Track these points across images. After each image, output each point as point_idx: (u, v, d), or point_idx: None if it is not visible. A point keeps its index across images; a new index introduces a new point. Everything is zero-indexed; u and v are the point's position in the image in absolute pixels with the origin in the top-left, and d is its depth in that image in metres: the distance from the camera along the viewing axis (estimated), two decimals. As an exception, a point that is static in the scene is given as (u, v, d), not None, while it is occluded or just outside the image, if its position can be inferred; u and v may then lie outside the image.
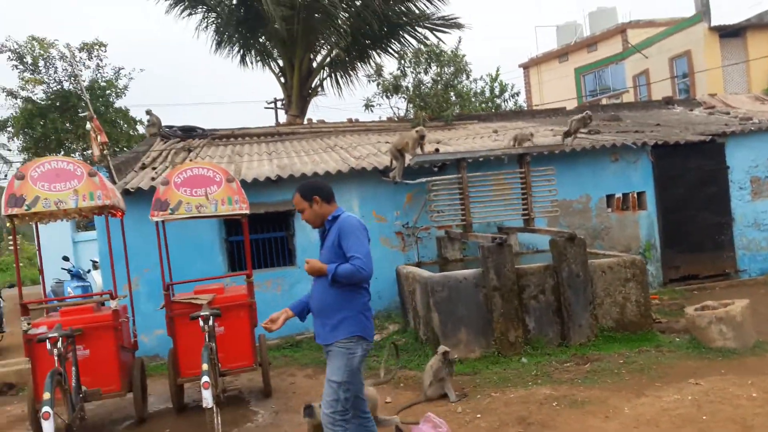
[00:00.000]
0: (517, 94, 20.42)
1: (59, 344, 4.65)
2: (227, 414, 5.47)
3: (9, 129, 18.15)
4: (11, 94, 17.77)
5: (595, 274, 7.00)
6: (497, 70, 20.85)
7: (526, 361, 6.30)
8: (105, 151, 9.09)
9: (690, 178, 9.86)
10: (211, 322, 5.08)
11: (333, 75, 17.50)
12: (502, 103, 20.49)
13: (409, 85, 17.80)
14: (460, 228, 8.40)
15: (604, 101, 22.24)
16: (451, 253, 8.73)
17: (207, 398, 4.37)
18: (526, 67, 28.43)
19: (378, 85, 17.55)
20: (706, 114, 13.89)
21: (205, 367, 4.50)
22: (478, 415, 4.92)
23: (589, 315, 6.80)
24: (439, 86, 17.88)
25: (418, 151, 8.39)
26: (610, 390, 5.27)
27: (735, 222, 9.94)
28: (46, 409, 4.01)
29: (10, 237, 19.89)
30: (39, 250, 6.82)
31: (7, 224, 5.38)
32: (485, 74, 27.91)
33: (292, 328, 8.35)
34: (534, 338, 6.72)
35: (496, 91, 20.42)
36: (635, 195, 9.70)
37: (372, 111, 19.87)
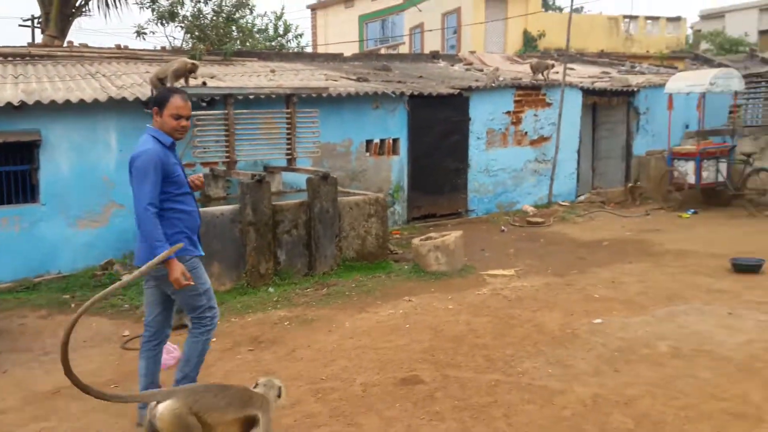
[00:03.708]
0: (301, 35, 20.61)
1: None
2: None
3: None
4: None
5: (344, 211, 7.72)
6: (282, 9, 20.79)
7: (273, 291, 6.83)
8: None
9: (439, 128, 11.04)
10: None
11: (101, -6, 15.98)
12: (286, 43, 20.55)
13: (188, 14, 16.98)
14: (224, 166, 8.55)
15: (383, 50, 23.40)
16: (214, 191, 8.85)
17: None
18: (313, 8, 28.59)
19: (152, 11, 16.46)
20: (464, 69, 15.47)
21: None
22: (214, 339, 5.30)
23: (335, 246, 7.53)
24: (220, 18, 17.34)
25: (183, 83, 8.28)
26: (338, 309, 6.03)
27: (470, 168, 11.41)
28: None
29: None
30: None
31: None
32: (271, 11, 27.37)
33: (29, 270, 7.81)
34: (283, 270, 7.25)
35: (280, 30, 20.39)
36: (391, 141, 10.63)
37: (144, 39, 18.59)
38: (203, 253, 3.97)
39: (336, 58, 15.83)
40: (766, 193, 10.45)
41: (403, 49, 23.31)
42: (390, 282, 7.03)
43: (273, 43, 19.71)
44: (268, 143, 8.68)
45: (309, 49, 23.03)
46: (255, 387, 3.30)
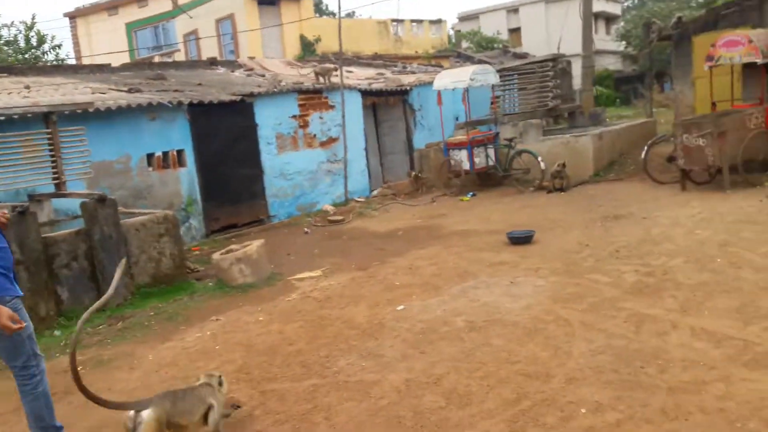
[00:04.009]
0: (59, 46, 18.69)
1: None
2: None
3: None
4: None
5: (129, 234, 7.12)
6: (33, 18, 18.64)
7: (59, 334, 6.08)
8: None
9: (226, 136, 10.74)
10: None
11: None
12: (43, 56, 18.49)
13: None
14: (-23, 199, 7.40)
15: (157, 59, 22.12)
16: (-33, 228, 7.62)
17: None
18: (72, 17, 26.03)
19: None
20: (245, 75, 15.21)
21: None
22: None
23: (126, 274, 6.91)
24: (-46, 31, 15.04)
25: None
26: (138, 342, 5.55)
27: (265, 174, 11.29)
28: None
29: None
30: None
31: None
32: (20, 21, 24.61)
33: None
34: (68, 308, 6.49)
35: (33, 41, 18.28)
36: (175, 153, 10.06)
37: None
38: (22, 293, 3.64)
39: (103, 69, 14.56)
40: (529, 171, 11.81)
41: (179, 57, 22.26)
42: (193, 303, 6.65)
43: (26, 56, 17.59)
44: (29, 169, 7.71)
45: (72, 61, 20.94)
46: (199, 382, 3.83)
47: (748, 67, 9.84)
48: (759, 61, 8.90)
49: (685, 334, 4.37)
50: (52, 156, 7.77)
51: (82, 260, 6.71)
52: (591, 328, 4.74)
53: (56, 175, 7.76)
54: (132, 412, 3.36)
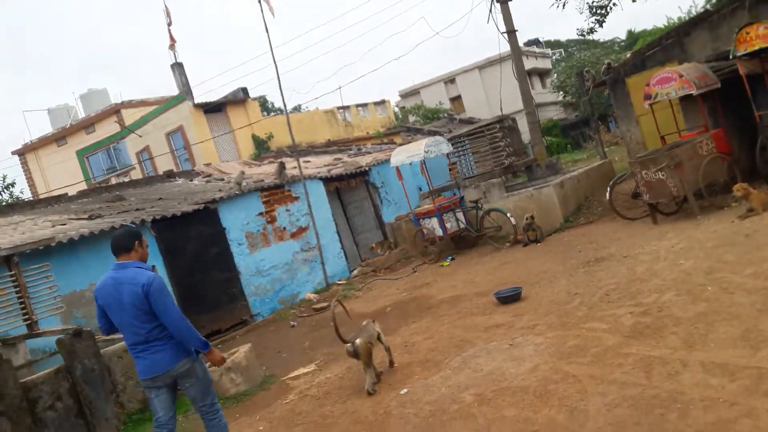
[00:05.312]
0: (12, 184, 18.49)
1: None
2: None
3: None
4: None
5: (112, 362, 6.86)
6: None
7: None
8: None
9: (194, 244, 10.62)
10: None
11: None
12: (-2, 195, 18.29)
13: None
14: (-56, 354, 7.03)
15: (113, 180, 22.12)
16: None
17: None
18: (21, 153, 26.04)
19: None
20: (205, 183, 15.24)
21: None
22: None
23: (113, 405, 6.59)
24: None
25: None
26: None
27: (241, 274, 11.14)
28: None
29: None
30: None
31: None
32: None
33: None
34: (56, 452, 6.12)
35: (-15, 184, 18.12)
36: (147, 271, 9.84)
37: None
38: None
39: (60, 199, 14.42)
40: (501, 228, 11.92)
41: (136, 175, 22.31)
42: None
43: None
44: (-2, 313, 7.41)
45: (28, 198, 20.74)
46: (365, 323, 6.41)
47: (685, 99, 10.29)
48: (694, 92, 9.33)
49: (697, 370, 4.23)
50: (20, 297, 7.50)
51: (67, 398, 6.37)
52: (601, 381, 4.54)
53: (26, 315, 7.46)
54: (350, 344, 5.94)
